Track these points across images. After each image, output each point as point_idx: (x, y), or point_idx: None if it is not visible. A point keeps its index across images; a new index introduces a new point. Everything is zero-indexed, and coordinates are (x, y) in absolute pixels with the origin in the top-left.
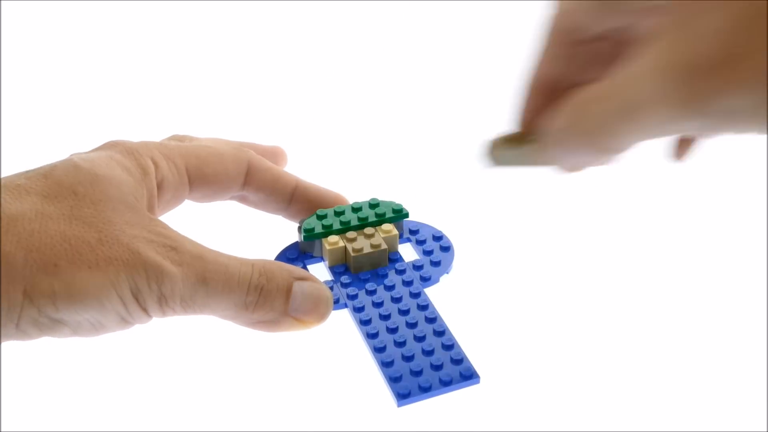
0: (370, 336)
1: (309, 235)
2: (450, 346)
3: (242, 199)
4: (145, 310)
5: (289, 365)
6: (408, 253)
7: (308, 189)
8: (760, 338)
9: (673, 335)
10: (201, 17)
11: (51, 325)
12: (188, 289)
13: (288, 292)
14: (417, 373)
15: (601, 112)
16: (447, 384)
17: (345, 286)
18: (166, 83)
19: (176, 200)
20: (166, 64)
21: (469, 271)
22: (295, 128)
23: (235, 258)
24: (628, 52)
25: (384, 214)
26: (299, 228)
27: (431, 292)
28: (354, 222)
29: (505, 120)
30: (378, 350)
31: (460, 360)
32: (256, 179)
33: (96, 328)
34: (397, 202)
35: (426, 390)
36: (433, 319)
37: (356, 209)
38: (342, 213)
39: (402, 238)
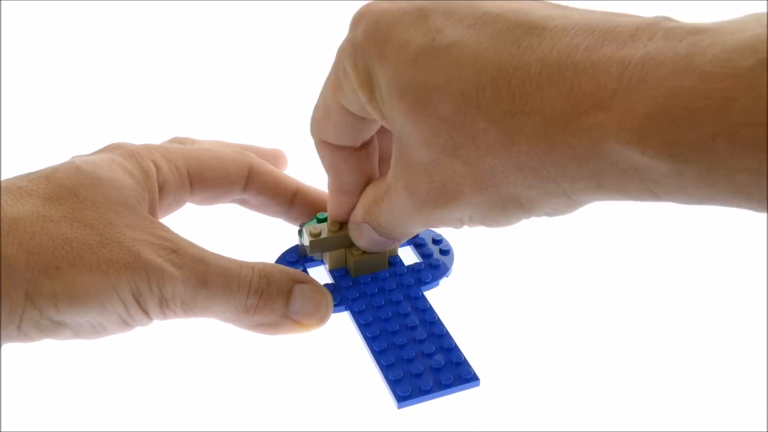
0: (370, 339)
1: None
2: (450, 349)
3: (243, 203)
4: (146, 312)
5: (290, 368)
6: (408, 256)
7: (309, 192)
8: (760, 338)
9: (673, 337)
10: (202, 19)
11: (52, 327)
12: (189, 292)
13: (288, 294)
14: (417, 376)
15: (381, 216)
16: (447, 387)
17: (345, 289)
18: (168, 86)
19: (178, 203)
20: (168, 67)
21: (469, 275)
22: (296, 131)
23: (236, 261)
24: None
25: None
26: (299, 231)
27: (431, 296)
28: None
29: None
30: (378, 353)
31: (459, 363)
32: (257, 183)
33: (97, 330)
34: None
35: (426, 392)
36: (432, 323)
37: None
38: None
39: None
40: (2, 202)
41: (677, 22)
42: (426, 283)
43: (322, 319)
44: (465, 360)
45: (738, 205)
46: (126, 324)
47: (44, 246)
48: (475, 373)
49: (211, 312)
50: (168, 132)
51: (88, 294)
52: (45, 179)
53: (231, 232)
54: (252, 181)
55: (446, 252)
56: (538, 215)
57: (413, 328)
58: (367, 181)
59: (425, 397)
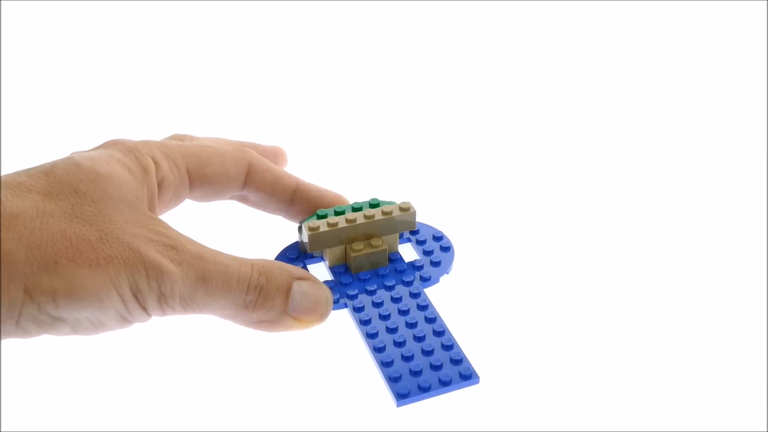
0: (370, 336)
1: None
2: (449, 346)
3: (242, 199)
4: (144, 308)
5: (289, 365)
6: (408, 253)
7: (309, 189)
8: (760, 338)
9: (673, 335)
10: (202, 17)
11: (51, 323)
12: (188, 288)
13: (287, 291)
14: (416, 373)
15: None
16: (446, 384)
17: (345, 286)
18: (167, 83)
19: (177, 199)
20: (167, 64)
21: (469, 272)
22: (295, 128)
23: (235, 258)
24: None
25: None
26: (299, 228)
27: (431, 293)
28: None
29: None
30: (377, 350)
31: (459, 360)
32: (256, 179)
33: (96, 327)
34: (397, 201)
35: (425, 390)
36: (432, 319)
37: (357, 209)
38: (342, 213)
39: (402, 238)
40: (2, 197)
41: None
42: (426, 280)
43: (322, 316)
44: (465, 357)
45: None
46: (124, 320)
47: (43, 241)
48: (474, 371)
49: (210, 308)
50: (168, 129)
51: (87, 289)
52: (44, 175)
53: (231, 230)
54: (251, 177)
55: (447, 249)
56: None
57: (413, 325)
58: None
59: (424, 394)
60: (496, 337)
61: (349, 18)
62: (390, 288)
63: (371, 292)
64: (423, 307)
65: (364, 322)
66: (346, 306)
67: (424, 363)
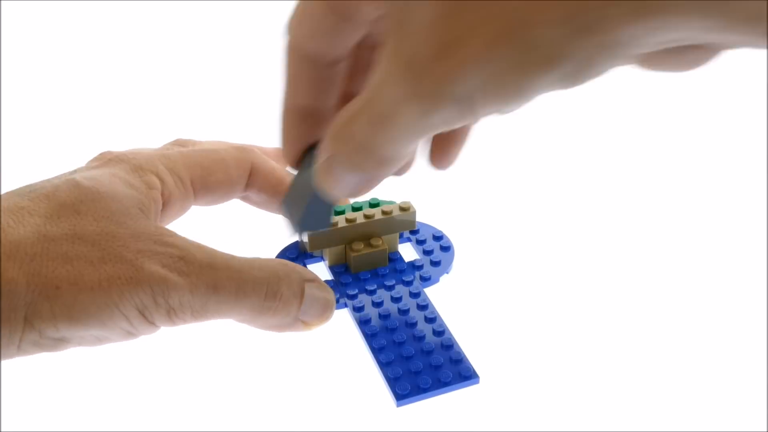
0: (370, 336)
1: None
2: (449, 346)
3: (245, 199)
4: (152, 323)
5: (289, 365)
6: (408, 252)
7: None
8: (760, 338)
9: (673, 335)
10: (202, 18)
11: (53, 344)
12: (198, 299)
13: (301, 297)
14: (416, 373)
15: (360, 129)
16: (446, 384)
17: (345, 285)
18: (169, 87)
19: (182, 211)
20: (169, 67)
21: (469, 271)
22: None
23: (248, 261)
24: (375, 60)
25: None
26: None
27: (431, 292)
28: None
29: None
30: (377, 350)
31: (459, 360)
32: (259, 181)
33: (100, 340)
34: (397, 201)
35: (425, 390)
36: (432, 319)
37: (356, 209)
38: (342, 212)
39: (402, 238)
40: (3, 224)
41: None
42: (426, 280)
43: (327, 318)
44: (464, 357)
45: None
46: (130, 334)
47: (44, 267)
48: (474, 371)
49: (225, 315)
50: (169, 132)
51: (88, 313)
52: (46, 198)
53: (231, 229)
54: (254, 178)
55: (447, 249)
56: (560, 74)
57: (413, 325)
58: (326, 103)
59: (424, 395)
60: (496, 337)
61: None
62: (390, 288)
63: (371, 292)
64: (423, 307)
65: (363, 322)
66: (345, 306)
67: (423, 363)
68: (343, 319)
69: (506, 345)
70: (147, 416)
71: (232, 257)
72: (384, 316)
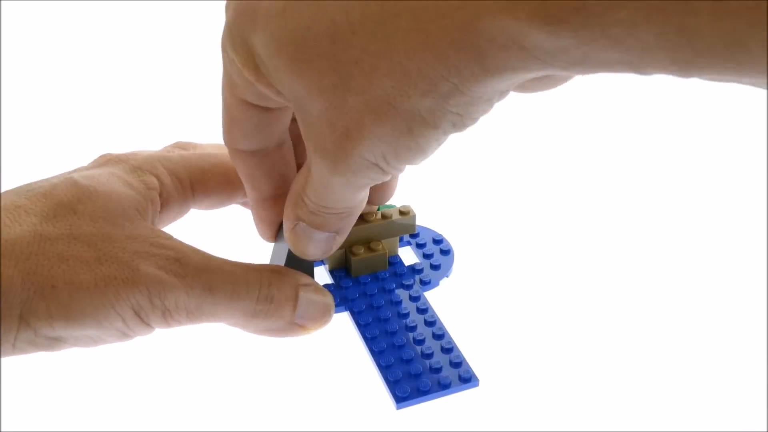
0: (369, 339)
1: None
2: (449, 349)
3: (246, 204)
4: (147, 324)
5: (289, 368)
6: (408, 256)
7: None
8: (760, 338)
9: (673, 337)
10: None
11: (48, 343)
12: (194, 300)
13: (295, 300)
14: (416, 376)
15: (309, 197)
16: (446, 387)
17: (344, 289)
18: (170, 88)
19: (181, 213)
20: (168, 67)
21: (469, 275)
22: None
23: (242, 265)
24: None
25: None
26: None
27: (431, 296)
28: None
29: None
30: (377, 353)
31: (459, 363)
32: None
33: (95, 341)
34: (397, 205)
35: (425, 393)
36: (432, 323)
37: None
38: None
39: (402, 242)
40: (1, 223)
41: None
42: (426, 284)
43: (325, 322)
44: (464, 360)
45: (623, 63)
46: (125, 335)
47: (40, 265)
48: (474, 374)
49: (219, 318)
50: (170, 135)
51: (84, 312)
52: (43, 197)
53: (230, 233)
54: None
55: (447, 252)
56: (446, 128)
57: (413, 328)
58: (287, 183)
59: (424, 397)
60: (496, 340)
61: None
62: (390, 291)
63: (371, 296)
64: (423, 311)
65: (363, 326)
66: (345, 310)
67: (423, 366)
68: (343, 323)
69: (506, 348)
70: (148, 418)
71: (226, 261)
72: (384, 320)
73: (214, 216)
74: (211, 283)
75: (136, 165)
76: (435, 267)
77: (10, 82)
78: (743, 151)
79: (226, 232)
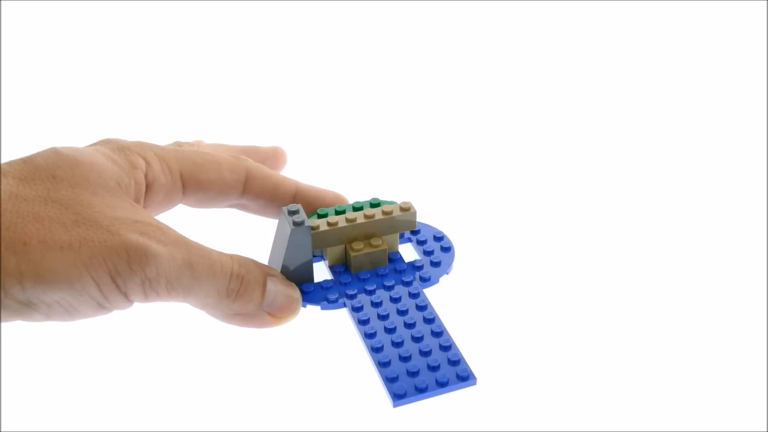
0: (368, 336)
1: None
2: (447, 347)
3: (242, 207)
4: (125, 294)
5: (287, 364)
6: (408, 253)
7: (308, 191)
8: (760, 338)
9: (673, 336)
10: (202, 19)
11: (20, 309)
12: (174, 271)
13: (264, 285)
14: (414, 374)
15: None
16: (443, 385)
17: (344, 285)
18: (169, 87)
19: (169, 203)
20: (168, 68)
21: (469, 273)
22: (296, 129)
23: (213, 249)
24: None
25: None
26: None
27: (430, 293)
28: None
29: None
30: (375, 350)
31: (457, 361)
32: (255, 187)
33: (70, 313)
34: (398, 201)
35: (422, 391)
36: (431, 320)
37: (357, 208)
38: (343, 212)
39: (402, 238)
40: None
41: None
42: (426, 281)
43: (294, 312)
44: (462, 358)
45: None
46: (101, 307)
47: (13, 222)
48: (472, 372)
49: (194, 295)
50: (169, 133)
51: (56, 272)
52: (22, 162)
53: (229, 234)
54: (250, 185)
55: (447, 249)
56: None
57: (411, 325)
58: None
59: (421, 395)
60: (495, 338)
61: (349, 18)
62: (389, 288)
63: (370, 292)
64: (422, 308)
65: (362, 322)
66: (344, 305)
67: (421, 363)
68: (341, 319)
69: (504, 347)
70: (147, 417)
71: (200, 243)
72: (383, 317)
73: (211, 219)
74: (190, 257)
75: (124, 145)
76: (435, 264)
77: (10, 82)
78: (743, 151)
79: (217, 233)
